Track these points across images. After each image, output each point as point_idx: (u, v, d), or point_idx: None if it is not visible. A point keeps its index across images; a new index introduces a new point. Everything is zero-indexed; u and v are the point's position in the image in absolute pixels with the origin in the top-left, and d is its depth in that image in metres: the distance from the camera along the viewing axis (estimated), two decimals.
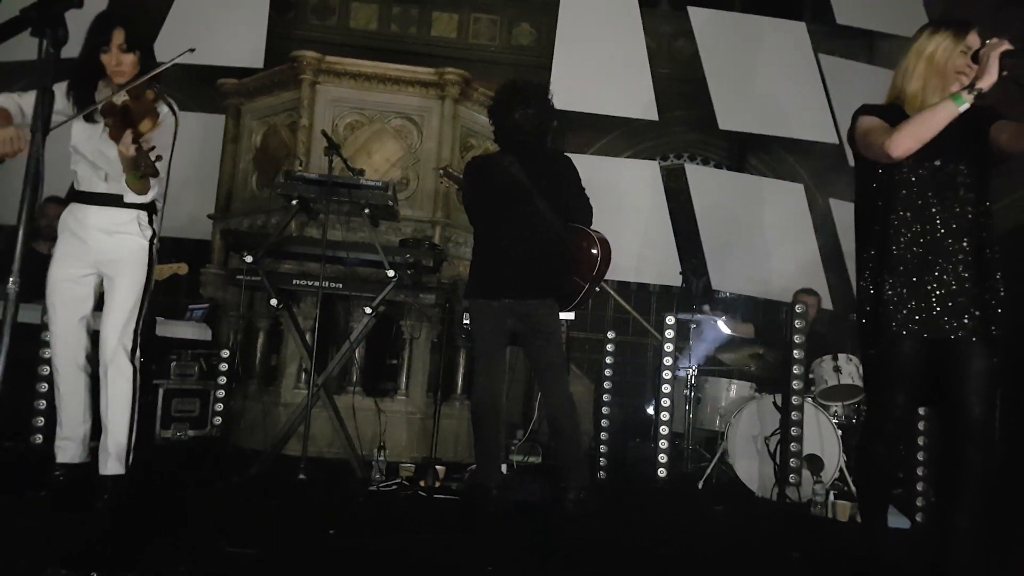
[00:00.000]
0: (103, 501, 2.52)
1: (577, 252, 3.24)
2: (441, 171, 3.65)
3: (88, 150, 2.61)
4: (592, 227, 3.32)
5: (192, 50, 2.46)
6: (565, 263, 3.22)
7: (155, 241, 2.70)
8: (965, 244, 2.19)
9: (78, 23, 1.59)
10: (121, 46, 2.55)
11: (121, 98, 2.49)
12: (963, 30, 2.19)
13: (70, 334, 2.63)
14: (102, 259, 2.64)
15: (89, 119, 2.58)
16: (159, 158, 2.45)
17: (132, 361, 2.60)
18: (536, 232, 3.14)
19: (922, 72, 2.22)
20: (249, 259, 3.55)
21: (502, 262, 3.15)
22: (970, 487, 2.14)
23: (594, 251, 3.23)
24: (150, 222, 2.69)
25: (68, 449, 2.64)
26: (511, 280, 3.13)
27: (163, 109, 2.58)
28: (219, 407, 4.20)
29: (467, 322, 3.97)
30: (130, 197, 2.63)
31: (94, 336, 2.68)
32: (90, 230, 2.63)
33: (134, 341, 2.62)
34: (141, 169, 2.43)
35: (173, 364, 4.31)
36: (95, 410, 2.65)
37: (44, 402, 3.49)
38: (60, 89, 2.55)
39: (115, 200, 2.63)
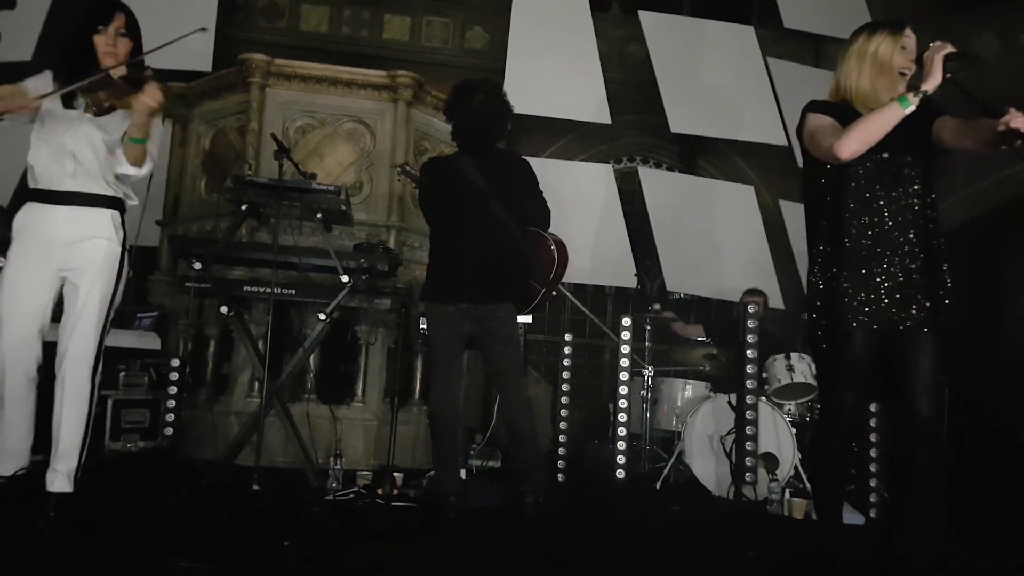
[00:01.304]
0: (48, 519, 2.39)
1: (534, 255, 3.24)
2: (399, 168, 3.62)
3: (67, 138, 2.45)
4: (549, 230, 3.32)
5: (204, 29, 2.62)
6: (522, 266, 3.21)
7: (127, 245, 2.57)
8: (912, 236, 2.25)
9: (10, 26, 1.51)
10: (119, 29, 2.49)
11: (118, 72, 2.42)
12: (899, 29, 2.27)
13: (25, 346, 2.44)
14: (70, 265, 2.47)
15: (69, 106, 2.45)
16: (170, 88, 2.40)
17: (93, 379, 2.47)
18: (493, 235, 3.12)
19: (869, 71, 2.28)
20: (198, 265, 3.46)
21: (459, 265, 3.13)
22: (917, 482, 2.20)
23: (551, 254, 3.23)
24: (123, 223, 2.56)
25: (9, 463, 2.49)
26: (468, 284, 3.11)
27: None
28: (170, 417, 4.08)
29: (424, 326, 3.93)
30: (124, 169, 2.50)
31: (45, 346, 2.51)
32: (58, 232, 2.46)
33: (97, 358, 2.48)
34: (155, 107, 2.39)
35: (122, 374, 4.18)
36: (40, 423, 2.51)
37: None
38: (45, 79, 2.46)
39: (85, 199, 2.48)
